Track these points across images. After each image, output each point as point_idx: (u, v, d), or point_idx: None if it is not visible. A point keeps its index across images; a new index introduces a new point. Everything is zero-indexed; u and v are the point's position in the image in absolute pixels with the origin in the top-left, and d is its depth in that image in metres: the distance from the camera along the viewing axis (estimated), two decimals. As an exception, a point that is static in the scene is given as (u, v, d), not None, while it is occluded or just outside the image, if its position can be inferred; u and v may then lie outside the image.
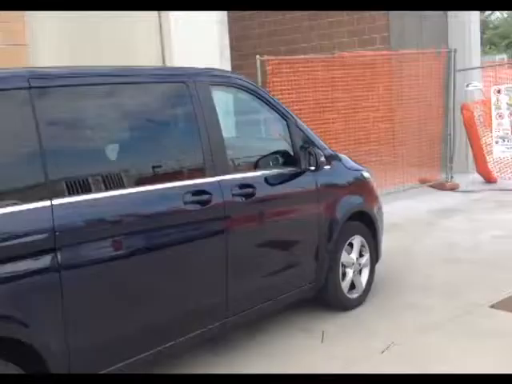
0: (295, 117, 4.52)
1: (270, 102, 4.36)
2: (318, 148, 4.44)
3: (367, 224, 4.88)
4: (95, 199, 3.21)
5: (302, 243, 4.39)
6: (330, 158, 4.62)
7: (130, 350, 3.37)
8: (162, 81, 3.85)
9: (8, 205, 2.88)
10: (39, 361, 2.94)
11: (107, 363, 3.26)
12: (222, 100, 4.24)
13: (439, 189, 9.42)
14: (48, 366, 2.95)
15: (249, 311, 4.05)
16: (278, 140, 4.58)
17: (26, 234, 2.90)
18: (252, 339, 4.31)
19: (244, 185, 3.94)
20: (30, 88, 3.05)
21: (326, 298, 4.65)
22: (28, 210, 2.92)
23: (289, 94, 7.82)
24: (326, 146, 4.71)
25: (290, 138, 4.37)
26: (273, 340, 4.29)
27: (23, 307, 2.86)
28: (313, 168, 4.33)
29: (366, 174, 5.05)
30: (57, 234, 2.98)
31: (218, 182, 3.77)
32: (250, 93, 4.27)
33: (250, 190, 3.97)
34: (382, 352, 4.02)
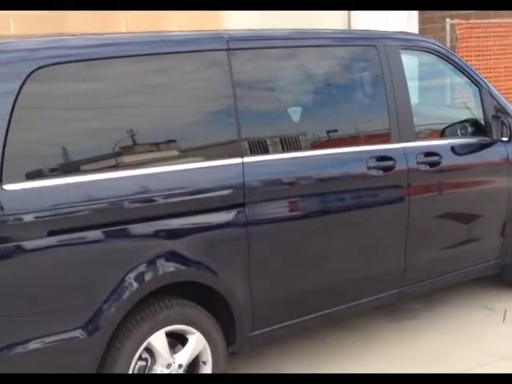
0: (489, 84, 4.28)
1: (462, 68, 4.16)
2: (513, 118, 4.18)
3: (563, 203, 4.52)
4: (286, 159, 3.29)
5: (487, 218, 4.18)
6: (526, 130, 4.32)
7: (308, 308, 3.47)
8: (353, 44, 3.81)
9: (206, 160, 3.07)
10: (225, 307, 3.13)
11: (285, 317, 3.40)
12: (409, 64, 4.12)
13: None
14: (232, 312, 3.13)
15: (426, 282, 3.96)
16: (465, 108, 4.38)
17: (221, 188, 3.07)
18: (429, 310, 4.25)
19: (429, 153, 3.83)
20: (228, 50, 3.19)
21: (511, 276, 4.42)
22: (223, 165, 3.08)
23: (478, 60, 7.41)
24: (522, 117, 4.41)
25: (482, 106, 4.15)
26: (450, 313, 4.20)
27: (213, 256, 3.06)
28: (506, 139, 4.10)
29: None
30: (246, 190, 3.13)
31: (403, 148, 3.70)
32: (442, 57, 4.09)
33: (436, 158, 3.85)
34: None
